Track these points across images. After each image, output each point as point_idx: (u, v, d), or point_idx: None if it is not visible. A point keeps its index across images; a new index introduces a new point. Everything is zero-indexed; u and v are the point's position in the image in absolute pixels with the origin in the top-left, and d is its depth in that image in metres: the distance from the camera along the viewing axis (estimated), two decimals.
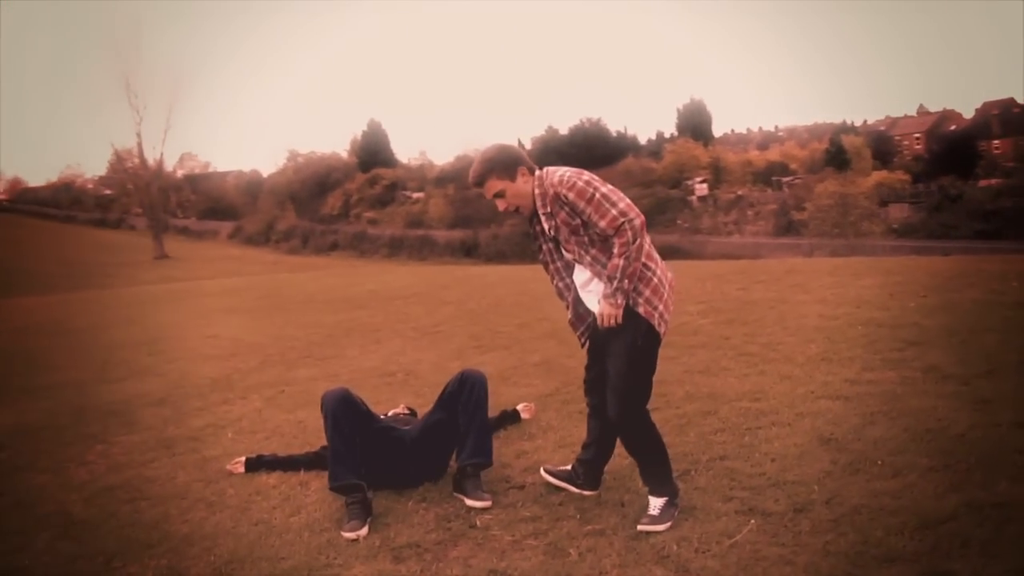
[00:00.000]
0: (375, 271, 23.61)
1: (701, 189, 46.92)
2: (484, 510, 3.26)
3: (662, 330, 3.03)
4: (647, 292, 2.98)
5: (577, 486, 3.36)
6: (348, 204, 58.34)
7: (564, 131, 53.91)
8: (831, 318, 6.45)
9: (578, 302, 3.20)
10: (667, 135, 58.03)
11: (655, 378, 3.09)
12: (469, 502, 3.32)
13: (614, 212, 2.90)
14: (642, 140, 58.78)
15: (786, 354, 5.40)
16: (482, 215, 42.32)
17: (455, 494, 3.42)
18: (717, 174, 48.82)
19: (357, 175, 59.04)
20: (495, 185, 3.08)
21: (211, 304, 13.46)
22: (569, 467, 3.43)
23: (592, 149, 47.67)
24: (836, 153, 46.96)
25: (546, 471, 3.47)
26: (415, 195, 53.89)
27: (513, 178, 3.06)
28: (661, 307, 3.01)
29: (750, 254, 28.03)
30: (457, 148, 53.20)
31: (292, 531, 3.24)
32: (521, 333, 7.33)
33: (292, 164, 65.39)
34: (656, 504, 3.01)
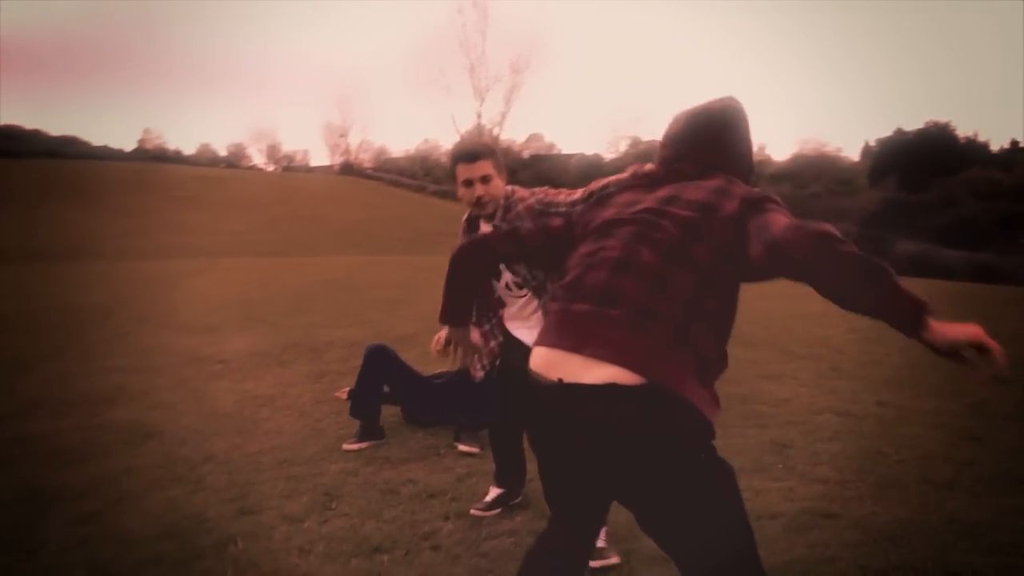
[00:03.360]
0: None
1: None
2: (467, 454, 4.11)
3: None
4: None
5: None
6: None
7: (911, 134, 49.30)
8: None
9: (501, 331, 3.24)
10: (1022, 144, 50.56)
11: None
12: (460, 447, 4.19)
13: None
14: (994, 148, 51.75)
15: (848, 371, 5.80)
16: (811, 216, 40.90)
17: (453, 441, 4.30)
18: None
19: None
20: (488, 167, 2.95)
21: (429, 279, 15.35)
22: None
23: (936, 155, 43.29)
24: None
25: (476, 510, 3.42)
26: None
27: (501, 174, 3.00)
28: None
29: None
30: (794, 146, 50.81)
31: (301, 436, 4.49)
32: None
33: (634, 150, 67.15)
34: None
